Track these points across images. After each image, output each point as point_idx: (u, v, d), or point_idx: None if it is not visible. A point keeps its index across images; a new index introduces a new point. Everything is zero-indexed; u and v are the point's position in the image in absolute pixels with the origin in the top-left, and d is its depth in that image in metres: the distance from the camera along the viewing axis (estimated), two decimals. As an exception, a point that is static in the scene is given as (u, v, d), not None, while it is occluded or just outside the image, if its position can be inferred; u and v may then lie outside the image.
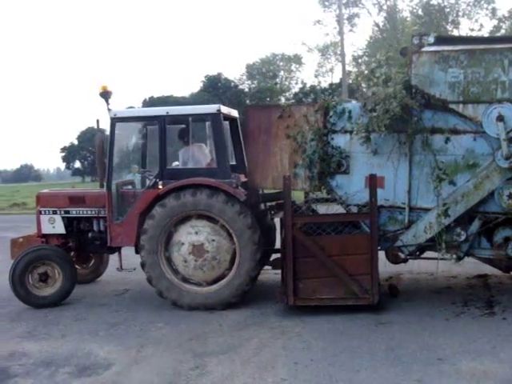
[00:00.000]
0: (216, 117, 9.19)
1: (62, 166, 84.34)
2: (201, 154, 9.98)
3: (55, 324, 8.61)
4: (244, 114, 9.67)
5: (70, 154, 65.10)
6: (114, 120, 9.33)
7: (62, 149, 69.78)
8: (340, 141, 8.80)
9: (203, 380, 6.26)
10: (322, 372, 6.28)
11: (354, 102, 9.12)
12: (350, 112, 8.72)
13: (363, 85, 9.36)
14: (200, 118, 9.97)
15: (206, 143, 10.34)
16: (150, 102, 51.57)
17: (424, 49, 8.26)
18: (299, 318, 8.19)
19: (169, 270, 9.05)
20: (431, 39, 8.35)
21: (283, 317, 8.32)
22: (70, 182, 54.07)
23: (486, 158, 8.08)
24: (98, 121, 9.67)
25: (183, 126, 9.84)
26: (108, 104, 9.33)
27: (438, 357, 6.53)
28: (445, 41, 8.56)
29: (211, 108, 9.35)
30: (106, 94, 9.31)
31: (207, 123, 10.12)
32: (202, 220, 8.93)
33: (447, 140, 8.24)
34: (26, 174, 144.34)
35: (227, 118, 9.72)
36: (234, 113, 10.33)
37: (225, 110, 9.49)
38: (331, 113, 8.82)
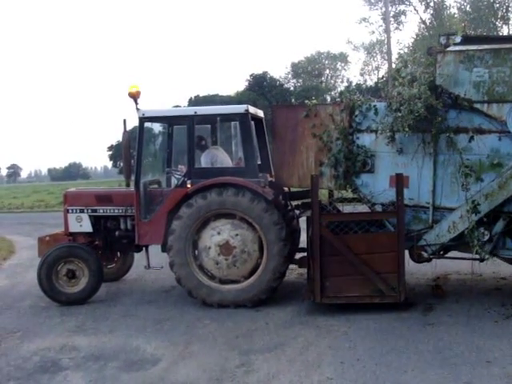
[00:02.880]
0: (244, 117, 9.28)
1: (109, 164, 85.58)
2: (224, 155, 10.13)
3: (104, 319, 8.80)
4: (271, 114, 9.70)
5: (116, 152, 65.94)
6: (143, 120, 9.46)
7: (108, 147, 70.73)
8: (365, 140, 8.85)
9: (249, 377, 6.32)
10: (368, 372, 6.27)
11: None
12: (376, 110, 8.75)
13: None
14: (228, 118, 10.11)
15: (232, 143, 10.42)
16: (196, 101, 51.93)
17: (449, 48, 8.25)
18: (345, 317, 8.18)
19: (204, 277, 9.14)
20: (458, 39, 8.33)
21: (329, 316, 8.32)
22: (116, 180, 54.82)
23: (511, 157, 8.02)
24: (124, 121, 9.80)
25: (202, 129, 10.09)
26: (137, 104, 9.45)
27: (487, 359, 6.43)
28: (471, 40, 8.51)
29: (239, 108, 9.43)
30: (134, 94, 9.41)
31: (233, 123, 10.19)
32: (220, 219, 9.03)
33: (472, 139, 8.18)
34: (74, 172, 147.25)
35: (253, 118, 9.78)
36: (260, 113, 10.41)
37: (252, 110, 9.55)
38: (357, 112, 8.84)
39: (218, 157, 10.03)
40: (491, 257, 8.38)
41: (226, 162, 10.12)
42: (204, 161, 9.95)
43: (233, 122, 10.44)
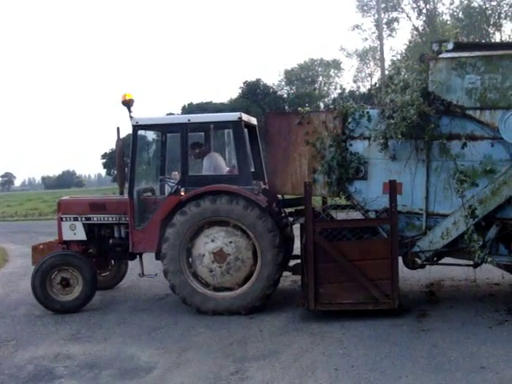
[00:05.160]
0: (237, 124, 9.28)
1: (103, 172, 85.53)
2: (223, 161, 10.13)
3: (98, 327, 8.78)
4: (264, 121, 9.72)
5: (110, 160, 65.93)
6: (136, 127, 9.46)
7: (102, 155, 70.64)
8: (358, 147, 8.88)
9: (244, 385, 6.32)
10: (362, 378, 6.26)
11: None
12: (369, 117, 8.79)
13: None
14: (221, 125, 10.12)
15: (225, 150, 10.43)
16: (189, 109, 51.93)
17: (441, 55, 8.29)
18: (340, 324, 8.17)
19: (198, 285, 9.14)
20: (450, 45, 8.38)
21: (324, 322, 8.31)
22: (110, 188, 54.78)
23: (504, 163, 8.08)
24: (118, 128, 9.80)
25: (197, 137, 10.12)
26: (130, 112, 9.46)
27: (481, 365, 6.42)
28: (463, 47, 8.57)
29: (232, 116, 9.44)
30: (128, 102, 9.42)
31: (226, 131, 10.20)
32: (214, 227, 9.03)
33: (464, 146, 8.23)
34: (68, 180, 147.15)
35: (246, 125, 9.79)
36: (253, 120, 10.43)
37: (245, 117, 9.56)
38: (349, 119, 8.87)
39: (219, 161, 10.05)
40: (491, 262, 8.38)
41: (224, 168, 10.14)
42: (206, 165, 9.94)
43: (226, 130, 10.45)
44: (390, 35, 49.18)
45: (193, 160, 10.10)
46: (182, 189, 9.15)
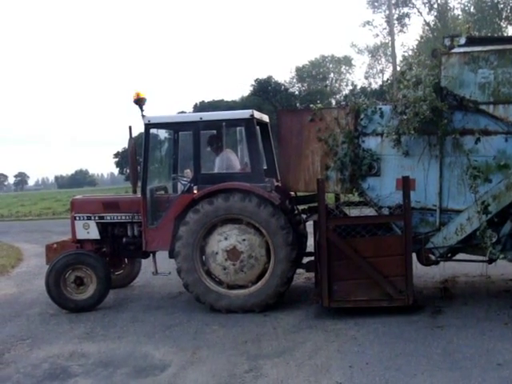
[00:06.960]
0: (249, 122, 9.27)
1: (116, 171, 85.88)
2: (236, 159, 10.13)
3: (112, 326, 8.80)
4: (276, 118, 9.68)
5: (123, 159, 66.16)
6: (148, 126, 9.47)
7: (115, 154, 70.96)
8: (371, 143, 8.83)
9: (258, 382, 6.29)
10: (377, 376, 6.22)
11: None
12: (381, 113, 8.74)
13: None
14: (233, 123, 10.04)
15: (237, 148, 10.41)
16: (201, 107, 52.04)
17: (453, 50, 8.24)
18: (354, 321, 8.14)
19: (212, 283, 9.14)
20: (462, 40, 8.34)
21: (338, 319, 8.28)
22: (123, 186, 54.96)
23: None
24: (130, 127, 9.80)
25: (213, 132, 10.11)
26: (142, 110, 9.46)
27: (497, 362, 6.34)
28: (475, 42, 8.50)
29: (244, 113, 9.43)
30: (140, 101, 9.43)
31: (239, 128, 10.19)
32: (227, 225, 9.02)
33: (478, 141, 8.16)
34: (81, 180, 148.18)
35: (258, 122, 9.77)
36: (265, 118, 10.43)
37: (257, 115, 9.55)
38: (362, 115, 8.83)
39: (232, 160, 10.03)
40: (504, 258, 8.30)
41: (238, 166, 10.13)
42: (220, 163, 9.92)
43: (238, 128, 10.41)
44: (401, 31, 49.15)
45: (209, 155, 10.10)
46: (195, 187, 9.15)
